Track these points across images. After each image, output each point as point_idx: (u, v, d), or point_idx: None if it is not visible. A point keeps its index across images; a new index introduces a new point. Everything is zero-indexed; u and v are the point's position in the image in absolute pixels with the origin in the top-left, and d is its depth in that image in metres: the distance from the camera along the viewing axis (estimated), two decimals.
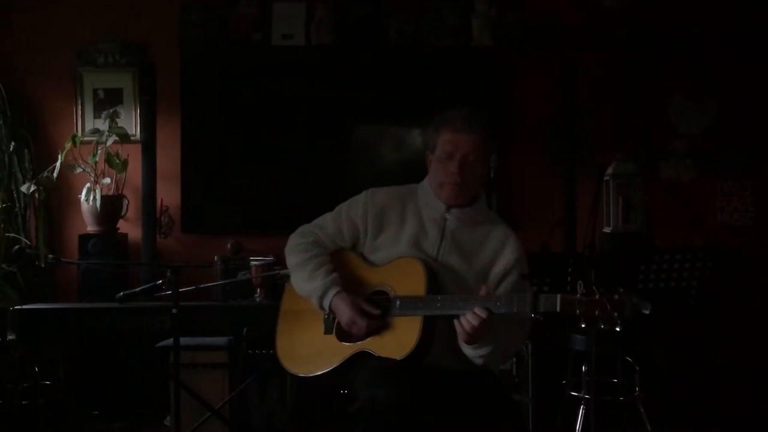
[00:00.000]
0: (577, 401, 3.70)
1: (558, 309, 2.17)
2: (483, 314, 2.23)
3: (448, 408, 2.38)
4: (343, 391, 2.46)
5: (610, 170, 4.45)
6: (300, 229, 2.64)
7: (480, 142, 2.44)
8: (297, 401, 3.75)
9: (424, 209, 2.54)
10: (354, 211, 2.57)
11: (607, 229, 4.50)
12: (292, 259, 2.59)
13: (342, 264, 2.55)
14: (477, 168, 2.47)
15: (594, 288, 2.13)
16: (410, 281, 2.40)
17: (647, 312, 2.11)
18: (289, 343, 2.61)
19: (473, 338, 2.28)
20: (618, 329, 2.10)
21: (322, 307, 2.49)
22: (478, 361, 2.38)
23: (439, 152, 2.47)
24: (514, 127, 4.77)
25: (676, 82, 4.81)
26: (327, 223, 2.61)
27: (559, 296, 2.17)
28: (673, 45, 4.74)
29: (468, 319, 2.24)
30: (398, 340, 2.35)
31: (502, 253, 2.48)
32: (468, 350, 2.35)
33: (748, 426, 4.32)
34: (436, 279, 2.40)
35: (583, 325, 2.14)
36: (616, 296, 2.11)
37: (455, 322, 2.28)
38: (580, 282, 2.16)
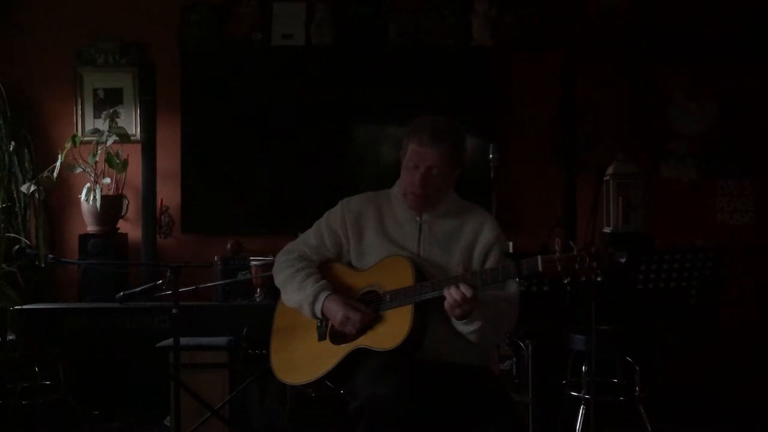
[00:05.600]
0: (577, 401, 3.70)
1: (540, 269, 2.23)
2: (468, 292, 2.29)
3: (448, 404, 2.40)
4: (342, 391, 2.48)
5: (610, 170, 4.45)
6: (284, 248, 2.70)
7: (445, 156, 2.47)
8: (297, 401, 3.75)
9: (398, 210, 2.59)
10: (333, 221, 2.63)
11: (607, 229, 4.49)
12: (280, 275, 2.64)
13: (330, 274, 2.60)
14: (440, 181, 2.50)
15: (571, 244, 2.22)
16: (398, 277, 2.44)
17: (623, 260, 2.21)
18: (284, 358, 2.64)
19: (461, 314, 2.33)
20: (599, 279, 2.19)
21: (314, 314, 2.52)
22: (472, 338, 2.41)
23: (407, 160, 2.52)
24: (514, 127, 4.77)
25: (676, 82, 4.82)
26: (309, 238, 2.67)
27: (539, 257, 2.24)
28: (673, 45, 4.74)
29: (451, 293, 2.30)
30: (391, 331, 2.39)
31: (481, 234, 2.53)
32: (460, 326, 2.40)
33: (748, 426, 4.31)
34: (423, 272, 2.45)
35: (566, 281, 2.22)
36: (593, 249, 2.20)
37: (445, 301, 2.33)
38: (557, 240, 2.25)
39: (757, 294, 4.68)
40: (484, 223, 2.55)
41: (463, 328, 2.39)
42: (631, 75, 4.78)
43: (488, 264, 2.49)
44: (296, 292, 2.55)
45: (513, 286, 2.49)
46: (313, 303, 2.51)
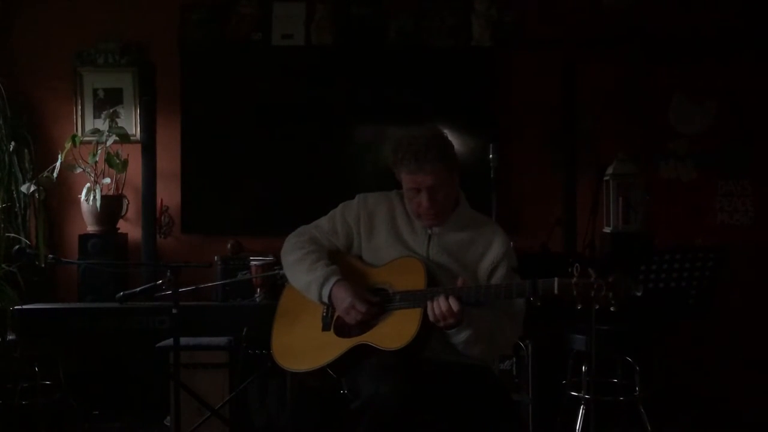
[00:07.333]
0: (577, 401, 3.70)
1: (556, 291, 2.22)
2: (455, 306, 2.29)
3: (449, 404, 2.40)
4: (343, 392, 2.48)
5: (610, 170, 4.45)
6: (296, 231, 2.70)
7: (438, 169, 2.45)
8: (297, 401, 3.75)
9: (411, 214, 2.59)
10: (347, 213, 2.64)
11: (607, 229, 4.49)
12: (290, 256, 2.62)
13: (341, 266, 2.58)
14: (445, 190, 2.50)
15: (589, 270, 2.20)
16: (410, 279, 2.44)
17: (639, 294, 2.19)
18: (285, 342, 2.63)
19: (446, 326, 2.33)
20: (612, 309, 2.18)
21: (320, 297, 2.51)
22: (461, 348, 2.41)
23: (405, 186, 2.52)
24: (514, 127, 4.77)
25: (676, 82, 4.81)
26: (322, 223, 2.68)
27: (556, 279, 2.23)
28: (673, 45, 4.74)
29: (439, 304, 2.30)
30: (397, 331, 2.38)
31: (490, 248, 2.53)
32: (450, 338, 2.40)
33: (748, 426, 4.32)
34: (435, 277, 2.44)
35: (579, 307, 2.21)
36: (611, 278, 2.18)
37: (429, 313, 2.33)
38: (576, 265, 2.22)
39: (757, 294, 4.68)
40: (494, 239, 2.54)
41: (452, 340, 2.40)
42: (631, 75, 4.78)
43: (494, 279, 2.49)
44: (306, 273, 2.54)
45: (520, 304, 2.48)
46: (321, 285, 2.49)
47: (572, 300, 2.21)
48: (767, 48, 4.74)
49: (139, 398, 4.18)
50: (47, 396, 3.92)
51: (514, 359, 3.97)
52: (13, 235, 4.36)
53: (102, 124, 4.59)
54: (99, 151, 4.50)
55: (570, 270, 2.22)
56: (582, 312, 3.03)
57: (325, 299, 2.51)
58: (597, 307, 2.19)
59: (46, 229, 4.43)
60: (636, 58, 4.76)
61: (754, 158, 4.81)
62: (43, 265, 4.06)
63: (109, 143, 4.47)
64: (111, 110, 4.63)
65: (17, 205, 4.44)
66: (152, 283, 3.28)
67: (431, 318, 2.33)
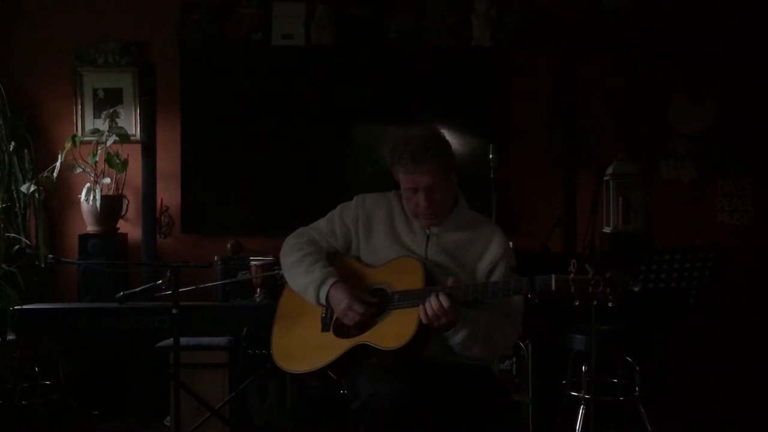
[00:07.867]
0: (577, 401, 3.70)
1: (553, 288, 2.23)
2: (445, 303, 2.29)
3: (449, 404, 2.40)
4: (344, 392, 2.48)
5: (610, 170, 4.45)
6: (295, 232, 2.71)
7: (435, 169, 2.45)
8: (297, 401, 3.75)
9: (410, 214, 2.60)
10: (346, 214, 2.65)
11: (607, 229, 4.50)
12: (289, 258, 2.63)
13: (340, 267, 2.59)
14: (443, 190, 2.50)
15: (587, 266, 2.20)
16: (409, 279, 2.44)
17: (637, 289, 2.20)
18: (285, 343, 2.63)
19: (440, 327, 2.33)
20: (610, 305, 2.19)
21: (318, 299, 2.52)
22: (458, 350, 2.41)
23: (403, 185, 2.52)
24: (514, 127, 4.78)
25: (676, 82, 4.82)
26: (321, 225, 2.68)
27: (553, 276, 2.23)
28: (673, 45, 4.74)
29: (431, 303, 2.31)
30: (396, 331, 2.39)
31: (488, 248, 2.53)
32: (447, 340, 2.40)
33: (747, 426, 4.32)
34: (433, 276, 2.45)
35: (577, 303, 2.21)
36: (608, 274, 2.19)
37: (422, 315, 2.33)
38: (573, 261, 2.22)
39: (758, 294, 4.68)
40: (493, 238, 2.54)
41: (449, 342, 2.40)
42: (631, 75, 4.78)
43: (493, 279, 2.49)
44: (304, 275, 2.55)
45: (518, 303, 2.48)
46: (319, 287, 2.50)
47: (570, 296, 2.21)
48: (766, 48, 4.74)
49: (139, 398, 4.18)
50: (47, 396, 3.91)
51: (514, 359, 3.97)
52: (13, 235, 4.36)
53: (102, 124, 4.60)
54: (99, 151, 4.50)
55: (568, 267, 2.22)
56: (582, 312, 3.04)
57: (323, 301, 2.52)
58: (595, 302, 2.20)
59: (46, 229, 4.42)
60: (636, 58, 4.76)
61: (754, 158, 4.81)
62: (43, 265, 4.05)
63: (109, 143, 4.48)
64: (111, 110, 4.64)
65: (17, 205, 4.45)
66: (152, 283, 3.28)
67: (424, 320, 2.33)
